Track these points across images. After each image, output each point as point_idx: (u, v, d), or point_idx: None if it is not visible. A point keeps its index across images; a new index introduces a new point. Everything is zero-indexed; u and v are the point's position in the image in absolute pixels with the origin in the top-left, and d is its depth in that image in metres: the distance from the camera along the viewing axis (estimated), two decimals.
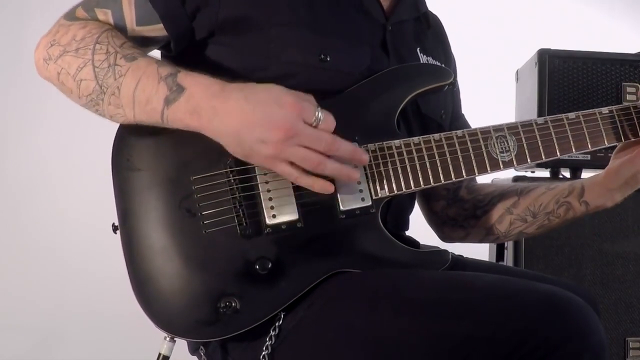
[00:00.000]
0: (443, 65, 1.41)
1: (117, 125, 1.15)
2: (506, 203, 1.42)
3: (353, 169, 1.10)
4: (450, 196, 1.49)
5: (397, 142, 1.19)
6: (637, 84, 2.09)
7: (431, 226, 1.54)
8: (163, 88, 1.06)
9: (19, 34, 2.93)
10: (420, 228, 1.45)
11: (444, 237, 1.53)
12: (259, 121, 1.02)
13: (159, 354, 1.11)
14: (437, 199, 1.50)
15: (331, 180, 1.13)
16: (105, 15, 1.16)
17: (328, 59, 1.19)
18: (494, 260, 2.18)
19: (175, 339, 1.11)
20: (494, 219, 1.43)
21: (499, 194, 1.44)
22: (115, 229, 1.13)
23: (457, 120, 1.52)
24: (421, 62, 1.36)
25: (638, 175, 1.27)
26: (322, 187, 1.09)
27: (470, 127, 1.52)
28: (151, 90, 1.07)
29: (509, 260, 2.08)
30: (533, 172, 2.22)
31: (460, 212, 1.48)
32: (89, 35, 1.11)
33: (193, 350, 1.22)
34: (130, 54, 1.10)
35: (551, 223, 1.37)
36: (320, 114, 1.05)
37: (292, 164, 1.06)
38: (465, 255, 1.42)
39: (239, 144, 1.04)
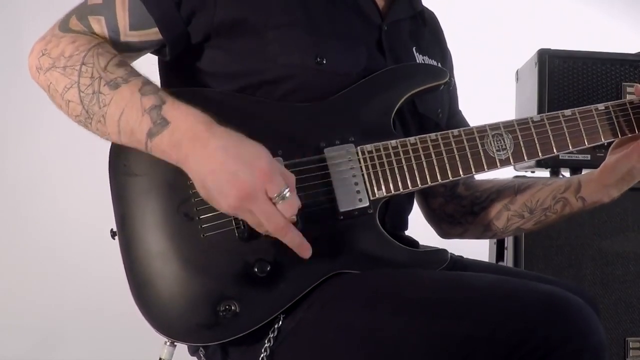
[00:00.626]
0: (439, 65, 1.41)
1: None
2: (503, 199, 1.42)
3: (308, 248, 1.06)
4: (448, 193, 1.49)
5: (393, 142, 1.18)
6: (637, 84, 2.09)
7: (430, 223, 1.55)
8: (146, 121, 1.05)
9: (19, 34, 2.93)
10: (419, 228, 1.45)
11: (443, 234, 1.53)
12: (224, 175, 1.00)
13: (160, 359, 1.11)
14: (434, 196, 1.50)
15: (329, 181, 1.13)
16: (98, 22, 1.16)
17: (324, 61, 1.19)
18: (494, 260, 2.18)
19: (175, 343, 1.11)
20: (491, 215, 1.43)
21: (496, 190, 1.44)
22: (113, 234, 1.13)
23: (453, 117, 1.52)
24: (417, 61, 1.36)
25: (634, 170, 1.28)
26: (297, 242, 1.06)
27: (467, 123, 1.53)
28: (134, 123, 1.06)
29: (508, 260, 2.08)
30: (533, 172, 2.22)
31: (457, 209, 1.48)
32: (76, 53, 1.11)
33: (192, 351, 1.22)
34: (114, 80, 1.08)
35: (548, 219, 1.38)
36: (286, 193, 1.00)
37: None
38: (465, 256, 1.42)
39: (204, 188, 1.03)
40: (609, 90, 2.09)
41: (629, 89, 2.09)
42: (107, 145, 1.15)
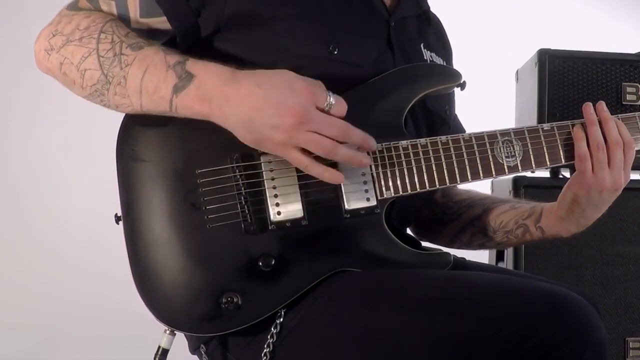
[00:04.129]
0: (444, 63, 1.42)
1: (120, 120, 1.15)
2: (471, 215, 1.43)
3: (365, 155, 1.09)
4: (426, 197, 1.48)
5: (404, 142, 1.19)
6: (637, 84, 2.09)
7: None
8: (172, 76, 1.06)
9: (20, 32, 2.92)
10: None
11: (417, 234, 1.53)
12: (271, 107, 1.02)
13: (159, 347, 1.11)
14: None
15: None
16: (108, 6, 1.16)
17: (337, 51, 1.19)
18: (493, 260, 2.18)
19: (175, 332, 1.10)
20: (457, 228, 1.44)
21: (467, 205, 1.45)
22: (117, 219, 1.12)
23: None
24: (425, 57, 1.37)
25: (578, 199, 1.24)
26: (332, 176, 1.08)
27: (463, 128, 1.53)
28: (159, 79, 1.06)
29: (508, 260, 2.07)
30: (533, 172, 2.21)
31: (429, 215, 1.48)
32: (93, 25, 1.11)
33: (193, 349, 1.22)
34: (136, 43, 1.09)
35: (510, 241, 1.38)
36: (332, 99, 1.05)
37: (303, 151, 1.05)
38: (464, 255, 1.42)
39: (250, 131, 1.04)
40: (609, 90, 2.09)
41: (629, 89, 2.09)
42: (110, 143, 1.14)
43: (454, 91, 1.52)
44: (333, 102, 1.05)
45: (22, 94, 2.89)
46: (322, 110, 1.04)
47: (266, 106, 1.01)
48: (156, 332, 1.12)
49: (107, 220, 1.16)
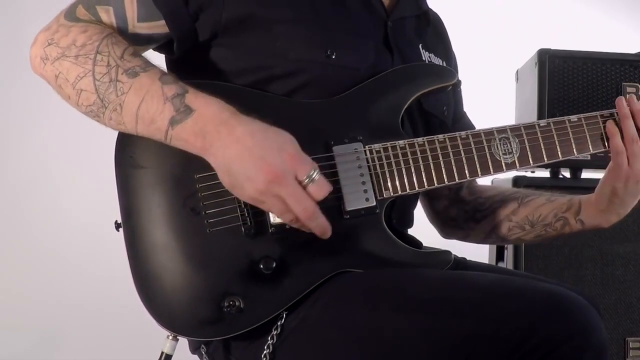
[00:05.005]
0: (443, 64, 1.41)
1: None
2: (506, 210, 1.43)
3: (330, 229, 1.07)
4: (452, 196, 1.50)
5: (401, 142, 1.19)
6: (637, 84, 2.09)
7: (433, 224, 1.55)
8: (169, 109, 1.04)
9: (20, 33, 2.92)
10: (420, 227, 1.45)
11: (445, 235, 1.54)
12: (252, 159, 1.00)
13: (162, 353, 1.11)
14: (439, 198, 1.50)
15: (335, 180, 1.13)
16: (107, 12, 1.15)
17: (334, 55, 1.19)
18: (494, 260, 2.19)
19: (178, 337, 1.11)
20: (493, 224, 1.44)
21: (499, 200, 1.45)
22: (118, 226, 1.12)
23: (460, 120, 1.52)
24: (423, 58, 1.37)
25: (617, 190, 1.27)
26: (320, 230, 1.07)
27: (473, 126, 1.54)
28: (156, 111, 1.05)
29: (509, 260, 2.08)
30: (533, 172, 2.22)
31: (460, 214, 1.49)
32: (89, 42, 1.09)
33: (194, 349, 1.22)
34: (132, 68, 1.07)
35: (548, 234, 1.39)
36: (316, 176, 1.02)
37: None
38: (465, 256, 1.42)
39: (229, 174, 1.03)
40: (609, 90, 2.10)
41: (629, 89, 2.09)
42: (109, 144, 1.14)
43: (457, 93, 1.53)
44: (315, 179, 1.02)
45: (22, 94, 2.89)
46: (300, 183, 1.02)
47: (248, 157, 1.00)
48: (156, 332, 1.12)
49: (107, 220, 1.16)
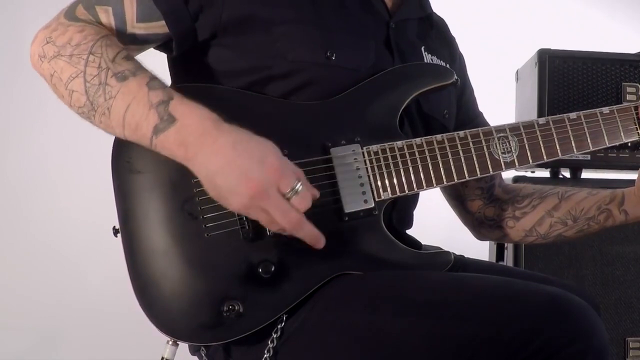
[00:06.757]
0: (447, 66, 1.41)
1: None
2: (547, 205, 1.43)
3: (322, 238, 1.06)
4: (486, 196, 1.50)
5: (399, 143, 1.19)
6: (637, 84, 2.09)
7: (467, 226, 1.55)
8: (153, 116, 1.04)
9: (21, 32, 2.91)
10: (420, 227, 1.45)
11: (479, 237, 1.54)
12: (234, 172, 0.99)
13: (162, 358, 1.11)
14: (472, 199, 1.50)
15: (334, 182, 1.12)
16: (106, 12, 1.15)
17: (334, 56, 1.19)
18: (494, 260, 2.18)
19: (178, 342, 1.10)
20: (534, 221, 1.44)
21: (538, 197, 1.45)
22: (116, 232, 1.12)
23: (475, 119, 1.52)
24: (425, 61, 1.36)
25: None
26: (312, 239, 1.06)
27: (489, 125, 1.52)
28: (141, 117, 1.04)
29: (509, 260, 2.08)
30: (533, 172, 2.22)
31: (499, 213, 1.49)
32: (84, 42, 1.09)
33: (194, 351, 1.22)
34: (122, 72, 1.06)
35: (590, 228, 1.39)
36: (298, 187, 1.01)
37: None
38: (465, 256, 1.42)
39: (213, 186, 1.02)
40: (609, 90, 2.09)
41: (629, 89, 2.09)
42: (109, 144, 1.14)
43: (468, 92, 1.52)
44: (299, 190, 1.00)
45: (22, 94, 2.88)
46: (283, 195, 1.01)
47: (230, 170, 1.00)
48: (156, 331, 1.11)
49: (107, 220, 1.16)
